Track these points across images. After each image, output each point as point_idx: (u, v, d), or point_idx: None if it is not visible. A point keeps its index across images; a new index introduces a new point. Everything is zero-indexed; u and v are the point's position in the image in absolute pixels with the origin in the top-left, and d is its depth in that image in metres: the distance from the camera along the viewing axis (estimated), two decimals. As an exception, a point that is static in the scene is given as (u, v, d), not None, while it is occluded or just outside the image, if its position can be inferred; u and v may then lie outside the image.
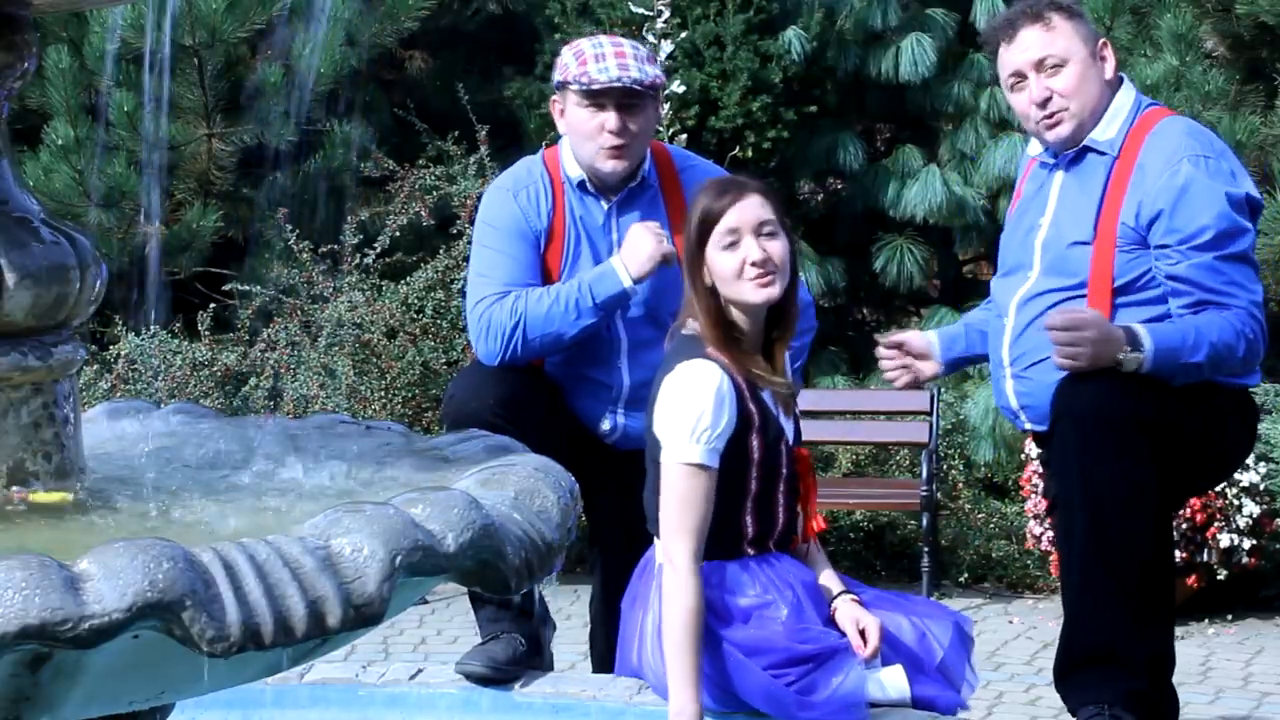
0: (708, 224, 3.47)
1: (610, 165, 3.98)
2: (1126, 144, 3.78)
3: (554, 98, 4.10)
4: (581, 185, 4.06)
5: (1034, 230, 3.89)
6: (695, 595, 3.35)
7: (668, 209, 4.08)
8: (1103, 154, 3.80)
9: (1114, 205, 3.75)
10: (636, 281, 3.91)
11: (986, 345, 4.03)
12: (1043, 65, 3.79)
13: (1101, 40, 3.88)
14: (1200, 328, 3.65)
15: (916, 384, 4.20)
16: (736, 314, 3.48)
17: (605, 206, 4.06)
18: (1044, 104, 3.79)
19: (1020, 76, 3.84)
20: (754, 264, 3.42)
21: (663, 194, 4.10)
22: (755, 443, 3.46)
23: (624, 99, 3.94)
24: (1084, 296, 3.76)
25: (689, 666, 3.32)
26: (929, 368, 4.13)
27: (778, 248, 3.45)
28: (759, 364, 3.49)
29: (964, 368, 4.30)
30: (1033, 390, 3.83)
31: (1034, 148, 4.00)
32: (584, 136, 3.99)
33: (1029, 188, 3.99)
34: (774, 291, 3.45)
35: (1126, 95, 3.85)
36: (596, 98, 3.94)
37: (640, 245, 3.90)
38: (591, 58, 3.96)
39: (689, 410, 3.39)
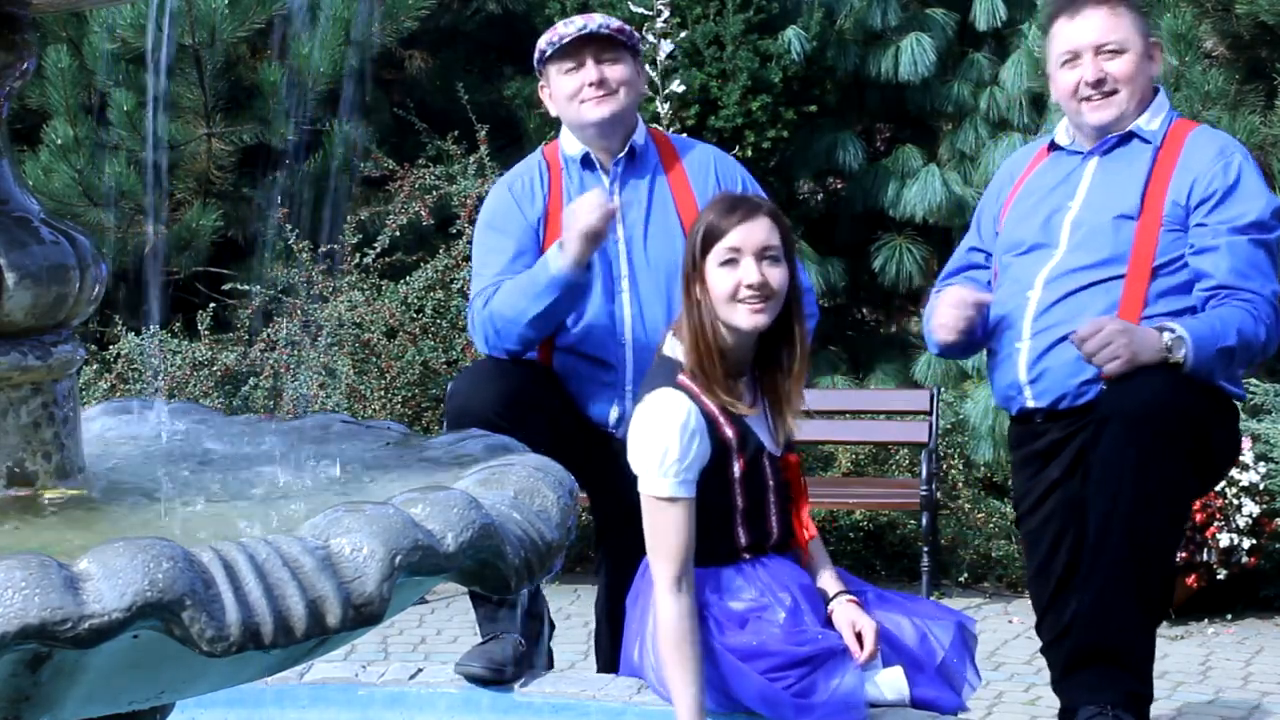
0: (711, 238, 3.41)
1: (596, 113, 4.02)
2: (1170, 136, 3.87)
3: (540, 84, 4.17)
4: (584, 161, 4.11)
5: (1060, 212, 3.90)
6: (677, 614, 3.35)
7: (670, 182, 4.12)
8: (1147, 141, 3.87)
9: (1162, 183, 3.80)
10: (580, 263, 3.88)
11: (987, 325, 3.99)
12: (1102, 49, 3.85)
13: (1154, 39, 3.96)
14: (1223, 316, 3.68)
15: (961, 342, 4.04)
16: (725, 334, 3.42)
17: (607, 181, 4.10)
18: (1097, 84, 3.84)
19: (1074, 55, 3.88)
20: (749, 286, 3.37)
21: (663, 166, 4.14)
22: (736, 463, 3.45)
23: (600, 53, 4.02)
24: (1120, 276, 3.76)
25: (679, 681, 3.34)
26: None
27: (777, 275, 3.39)
28: (736, 390, 3.45)
29: (971, 351, 4.20)
30: (1051, 364, 3.82)
31: (1061, 136, 4.01)
32: (568, 98, 4.06)
33: (1048, 175, 4.00)
34: (763, 319, 3.39)
35: (1164, 98, 3.95)
36: (572, 56, 4.03)
37: (569, 220, 3.88)
38: (560, 25, 4.10)
39: (655, 444, 3.37)
